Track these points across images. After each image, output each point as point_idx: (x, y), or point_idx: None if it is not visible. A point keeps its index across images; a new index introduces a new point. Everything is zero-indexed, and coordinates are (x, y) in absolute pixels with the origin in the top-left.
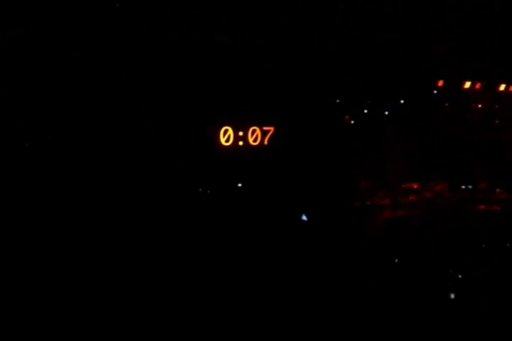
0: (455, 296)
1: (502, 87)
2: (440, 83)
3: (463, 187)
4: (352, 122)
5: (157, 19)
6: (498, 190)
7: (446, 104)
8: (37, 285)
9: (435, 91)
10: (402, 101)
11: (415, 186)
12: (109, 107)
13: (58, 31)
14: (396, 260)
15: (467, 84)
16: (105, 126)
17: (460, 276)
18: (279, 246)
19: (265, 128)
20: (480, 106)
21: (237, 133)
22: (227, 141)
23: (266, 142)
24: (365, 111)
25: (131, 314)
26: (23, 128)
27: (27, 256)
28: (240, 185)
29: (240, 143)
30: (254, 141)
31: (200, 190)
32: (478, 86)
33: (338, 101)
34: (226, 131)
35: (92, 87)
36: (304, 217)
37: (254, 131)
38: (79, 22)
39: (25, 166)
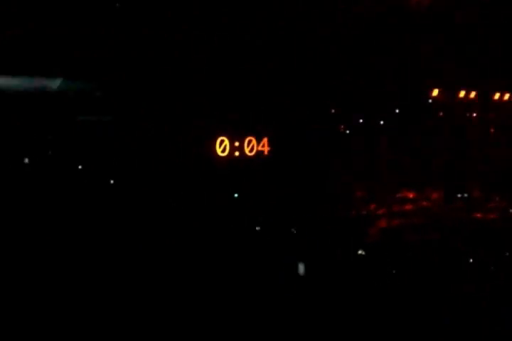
0: (454, 301)
1: (496, 96)
2: (435, 93)
3: (459, 195)
4: (347, 132)
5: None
6: (495, 198)
7: (441, 113)
8: (37, 285)
9: (430, 101)
10: (397, 111)
11: (411, 195)
12: (105, 113)
13: (58, 31)
14: (394, 270)
15: (462, 94)
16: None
17: (458, 283)
18: (273, 253)
19: (261, 138)
20: (475, 115)
21: (233, 143)
22: (224, 151)
23: (262, 152)
24: (360, 120)
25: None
26: (22, 127)
27: (27, 256)
28: (236, 195)
29: (236, 153)
30: (251, 151)
31: (198, 199)
32: (473, 95)
33: (333, 111)
34: (222, 142)
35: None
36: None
37: (250, 142)
38: (79, 22)
39: (24, 166)
